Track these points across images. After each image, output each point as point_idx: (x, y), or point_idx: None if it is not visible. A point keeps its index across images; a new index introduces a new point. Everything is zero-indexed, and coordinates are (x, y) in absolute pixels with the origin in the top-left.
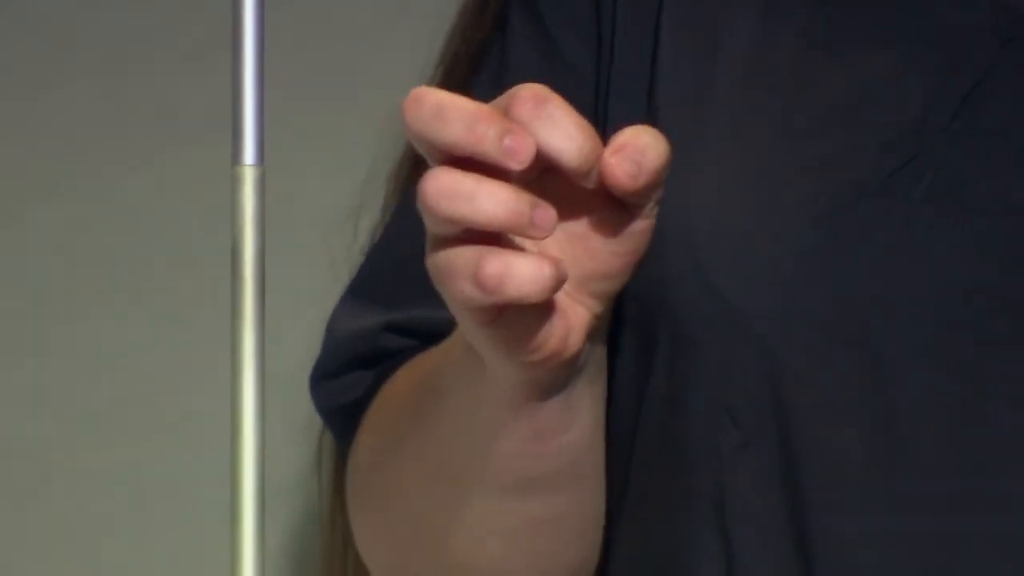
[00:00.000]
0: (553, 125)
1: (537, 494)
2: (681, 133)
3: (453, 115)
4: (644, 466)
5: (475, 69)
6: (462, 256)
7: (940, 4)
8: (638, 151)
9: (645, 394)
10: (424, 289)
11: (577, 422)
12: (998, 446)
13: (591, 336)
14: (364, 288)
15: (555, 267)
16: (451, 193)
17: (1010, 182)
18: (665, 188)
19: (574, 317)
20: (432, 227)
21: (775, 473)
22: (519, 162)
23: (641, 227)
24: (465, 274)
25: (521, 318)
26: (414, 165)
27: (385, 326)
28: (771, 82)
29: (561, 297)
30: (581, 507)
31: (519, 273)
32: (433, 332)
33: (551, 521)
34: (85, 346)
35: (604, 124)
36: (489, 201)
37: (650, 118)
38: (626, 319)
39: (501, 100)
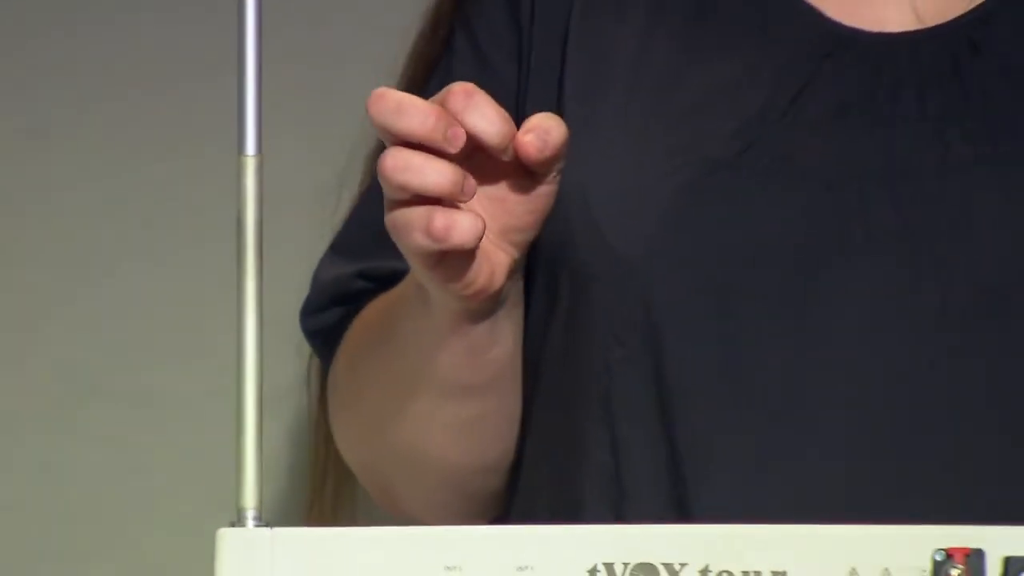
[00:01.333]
0: (479, 113)
1: (470, 397)
2: (581, 122)
3: (410, 111)
4: (550, 378)
5: (428, 79)
6: (415, 213)
7: (777, 25)
8: (544, 131)
9: (551, 321)
10: (386, 245)
11: (500, 341)
12: (818, 360)
13: (511, 275)
14: (342, 245)
15: (483, 221)
16: (404, 167)
17: (825, 161)
18: (567, 163)
19: (497, 261)
20: (389, 193)
21: (649, 380)
22: (456, 147)
23: (546, 191)
24: (419, 226)
25: (457, 262)
26: (380, 152)
27: (357, 273)
28: (649, 83)
29: (486, 245)
30: (503, 408)
31: (460, 225)
32: (392, 278)
33: (480, 418)
34: (124, 294)
35: (524, 114)
36: (433, 173)
37: (558, 112)
38: (538, 263)
39: (439, 95)
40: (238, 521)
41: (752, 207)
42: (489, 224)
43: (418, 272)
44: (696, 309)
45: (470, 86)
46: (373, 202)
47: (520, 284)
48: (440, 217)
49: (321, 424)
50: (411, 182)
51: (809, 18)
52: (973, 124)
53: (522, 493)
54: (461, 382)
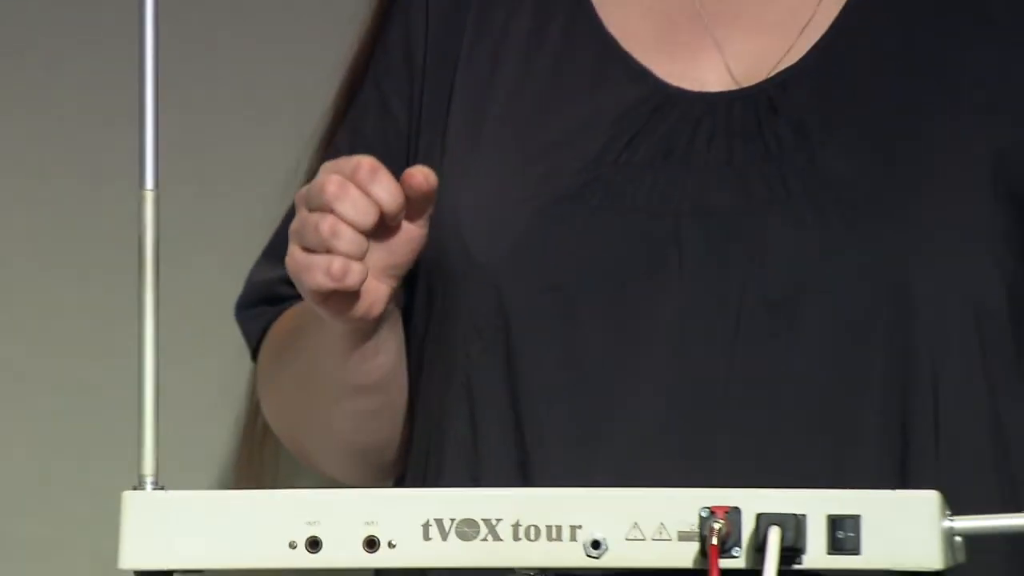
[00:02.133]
0: (381, 187)
1: (363, 395)
2: (459, 153)
3: (348, 198)
4: (427, 367)
5: (347, 111)
6: (318, 259)
7: (618, 81)
8: (428, 172)
9: (429, 319)
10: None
11: (384, 350)
12: (634, 357)
13: (389, 301)
14: (272, 252)
15: (367, 268)
16: (332, 233)
17: (649, 196)
18: (442, 189)
19: (377, 294)
20: (303, 242)
21: (501, 367)
22: (368, 227)
23: (419, 234)
24: (322, 269)
25: (344, 297)
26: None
27: (282, 279)
28: (514, 127)
29: (369, 282)
30: (392, 402)
31: (352, 271)
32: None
33: (375, 411)
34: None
35: (416, 150)
36: (351, 244)
37: (441, 143)
38: (418, 276)
39: (350, 162)
40: (139, 485)
41: (588, 231)
42: (374, 263)
43: (311, 304)
44: (539, 311)
45: (374, 163)
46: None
47: (399, 304)
48: (338, 263)
49: (253, 394)
50: (337, 247)
51: (643, 77)
52: (769, 171)
53: (411, 461)
54: (354, 383)
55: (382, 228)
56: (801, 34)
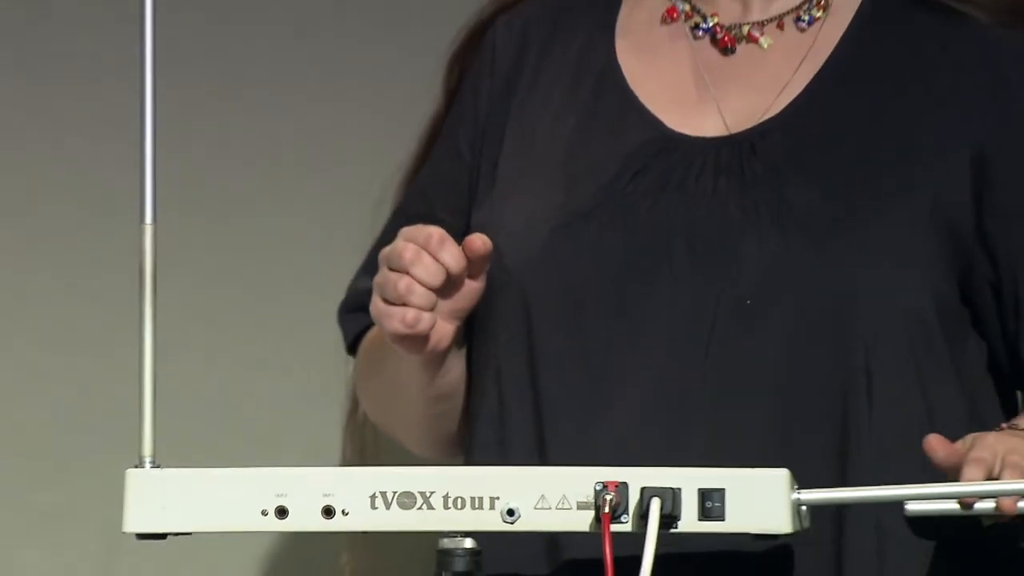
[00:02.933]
0: (447, 253)
1: (437, 403)
2: (505, 186)
3: (421, 263)
4: (474, 358)
5: (429, 151)
6: (395, 310)
7: (632, 127)
8: (481, 240)
9: (475, 318)
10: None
11: (451, 369)
12: (634, 350)
13: (455, 337)
14: (367, 267)
15: (435, 316)
16: (408, 291)
17: (647, 218)
18: (490, 213)
19: (443, 332)
20: (384, 294)
21: (523, 356)
22: (437, 286)
23: (478, 286)
24: (397, 318)
25: (415, 337)
26: (406, 188)
27: (371, 290)
28: (549, 161)
29: (437, 322)
30: (456, 405)
31: (422, 320)
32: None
33: (446, 412)
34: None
35: (476, 182)
36: (422, 299)
37: (493, 175)
38: None
39: (423, 231)
40: (139, 464)
41: (595, 245)
42: (441, 308)
43: (389, 341)
44: (554, 309)
45: (443, 234)
46: (387, 240)
47: (462, 334)
48: (412, 314)
49: (352, 387)
50: (411, 301)
51: (654, 125)
52: (744, 200)
53: (465, 438)
54: (429, 396)
55: (449, 283)
56: (781, 93)
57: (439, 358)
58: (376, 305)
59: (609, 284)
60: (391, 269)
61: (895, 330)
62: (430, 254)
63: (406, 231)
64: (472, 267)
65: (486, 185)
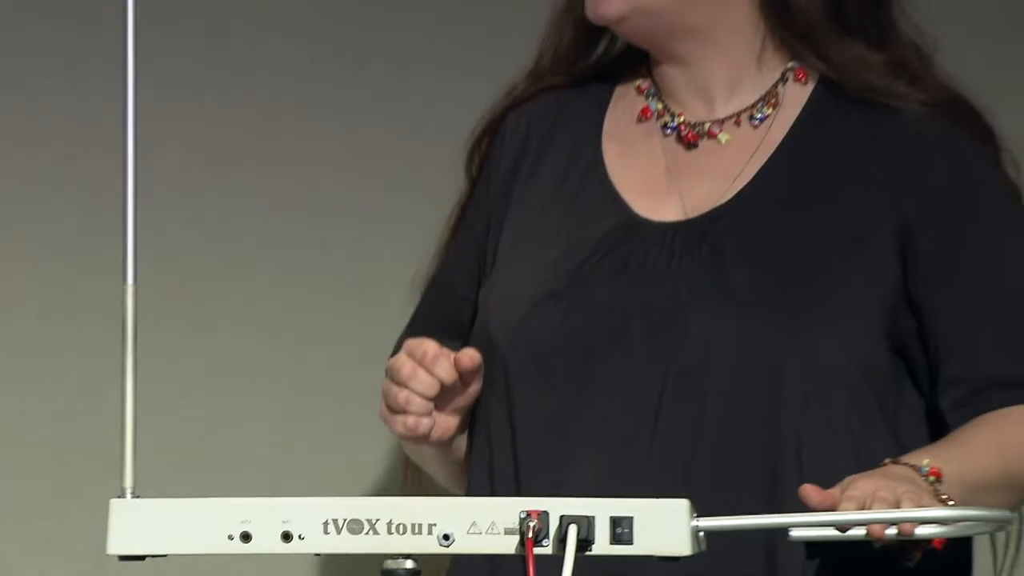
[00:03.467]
0: (440, 368)
1: (454, 463)
2: (500, 265)
3: (416, 378)
4: (475, 412)
5: (458, 226)
6: (398, 417)
7: (604, 212)
8: (468, 357)
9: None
10: (430, 332)
11: (461, 446)
12: (593, 407)
13: (457, 427)
14: (411, 324)
15: (433, 420)
16: (407, 403)
17: (611, 294)
18: (487, 287)
19: (446, 424)
20: (388, 402)
21: (504, 411)
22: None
23: (473, 389)
24: (400, 423)
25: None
26: (446, 252)
27: None
28: (536, 244)
29: (439, 418)
30: (465, 463)
31: (422, 425)
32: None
33: (459, 470)
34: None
35: (485, 258)
36: (420, 407)
37: (494, 255)
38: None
39: (421, 347)
40: (122, 494)
41: (566, 317)
42: (442, 405)
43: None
44: (530, 372)
45: (437, 350)
46: (432, 296)
47: (467, 422)
48: (411, 420)
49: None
50: (410, 410)
51: (624, 211)
52: (692, 279)
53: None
54: (444, 463)
55: (445, 389)
56: (733, 182)
57: (447, 442)
58: (382, 411)
59: (573, 355)
60: (394, 382)
61: (824, 395)
62: (426, 369)
63: (408, 345)
64: (463, 377)
65: (491, 262)
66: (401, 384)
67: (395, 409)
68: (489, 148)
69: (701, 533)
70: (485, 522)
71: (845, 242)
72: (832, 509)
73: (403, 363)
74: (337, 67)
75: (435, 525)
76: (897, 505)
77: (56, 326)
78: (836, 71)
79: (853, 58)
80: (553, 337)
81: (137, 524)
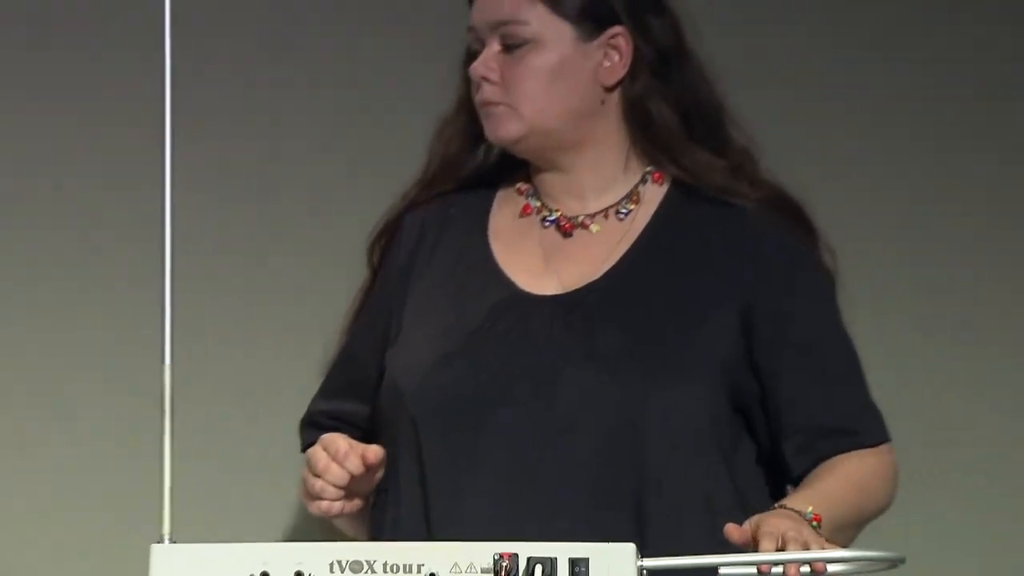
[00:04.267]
0: (350, 463)
1: (359, 525)
2: (404, 335)
3: (329, 473)
4: (387, 453)
5: (361, 311)
6: (315, 502)
7: (491, 288)
8: (373, 452)
9: (387, 429)
10: (346, 396)
11: (364, 516)
12: (485, 454)
13: (363, 506)
14: (322, 388)
15: (340, 504)
16: (321, 490)
17: (498, 357)
18: (393, 353)
19: (352, 505)
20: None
21: (413, 457)
22: (344, 484)
23: (376, 477)
24: (315, 507)
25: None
26: (354, 324)
27: (326, 412)
28: (435, 316)
29: (347, 500)
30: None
31: (333, 508)
32: (349, 416)
33: (364, 529)
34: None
35: (390, 330)
36: (332, 493)
37: (398, 327)
38: (379, 405)
39: (334, 445)
40: (160, 540)
41: (462, 376)
42: (354, 488)
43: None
44: (431, 424)
45: (348, 447)
46: (342, 365)
47: (370, 499)
48: (324, 505)
49: None
50: (323, 496)
51: (506, 286)
52: (569, 343)
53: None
54: (350, 524)
55: (353, 479)
56: (603, 264)
57: (355, 515)
58: (301, 494)
59: (468, 408)
60: (311, 471)
61: (677, 443)
62: (338, 463)
63: (323, 440)
64: (368, 468)
65: (395, 333)
66: (317, 475)
67: (312, 496)
68: (388, 244)
69: (645, 572)
70: (465, 562)
71: (696, 315)
72: (749, 544)
73: (319, 457)
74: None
75: (423, 565)
76: (806, 546)
77: (97, 385)
78: (688, 174)
79: (702, 163)
80: (452, 392)
81: (175, 566)
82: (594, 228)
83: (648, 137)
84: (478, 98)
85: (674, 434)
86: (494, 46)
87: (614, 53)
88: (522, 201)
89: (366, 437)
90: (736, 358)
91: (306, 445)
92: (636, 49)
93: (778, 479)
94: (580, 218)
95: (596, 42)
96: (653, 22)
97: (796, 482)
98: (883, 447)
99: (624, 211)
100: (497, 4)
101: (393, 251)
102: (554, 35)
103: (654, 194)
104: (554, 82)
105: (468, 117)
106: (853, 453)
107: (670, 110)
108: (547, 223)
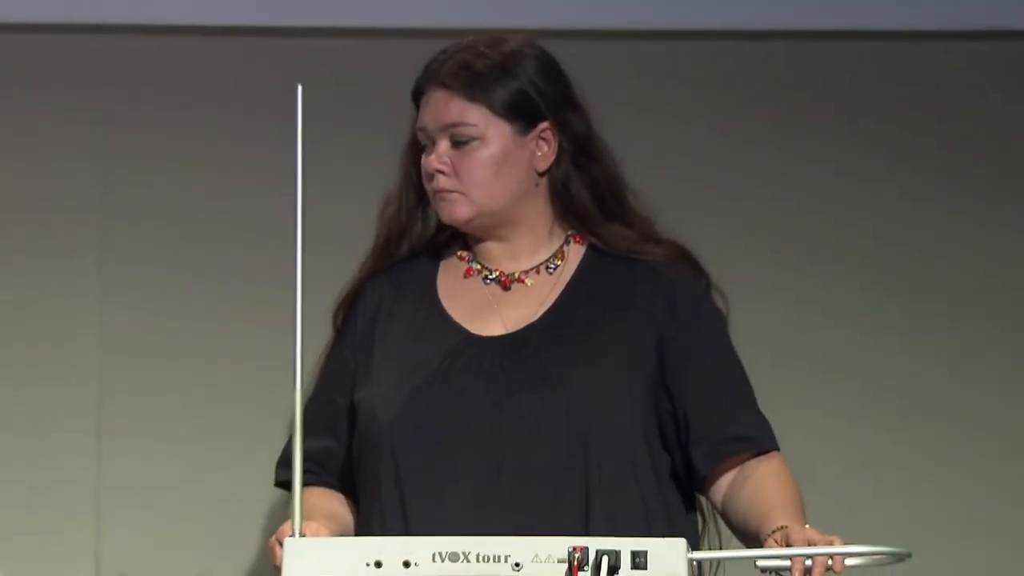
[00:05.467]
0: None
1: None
2: (374, 372)
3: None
4: (360, 482)
5: (330, 360)
6: (277, 557)
7: (445, 332)
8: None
9: (363, 454)
10: (321, 434)
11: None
12: (453, 475)
13: None
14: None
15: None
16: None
17: (452, 391)
18: (366, 389)
19: None
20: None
21: (392, 473)
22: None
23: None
24: (277, 563)
25: None
26: (322, 365)
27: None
28: (400, 356)
29: None
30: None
31: (293, 570)
32: (323, 452)
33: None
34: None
35: (358, 373)
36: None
37: (367, 368)
38: (356, 430)
39: (283, 533)
40: (294, 535)
41: (431, 407)
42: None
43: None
44: (407, 448)
45: (315, 529)
46: (318, 412)
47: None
48: (285, 569)
49: None
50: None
51: (460, 331)
52: (519, 372)
53: (359, 521)
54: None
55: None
56: (538, 309)
57: None
58: (271, 560)
59: (442, 427)
60: (269, 546)
61: (616, 453)
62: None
63: (283, 529)
64: None
65: (363, 376)
66: (271, 548)
67: (279, 567)
68: (351, 307)
69: (695, 562)
70: (544, 554)
71: (622, 346)
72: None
73: (274, 545)
74: None
75: (509, 556)
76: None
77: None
78: (603, 242)
79: (614, 234)
80: (428, 416)
81: (305, 555)
82: (529, 281)
83: (570, 212)
84: (432, 186)
85: (619, 447)
86: (444, 143)
87: (544, 144)
88: (464, 265)
89: (333, 469)
90: (656, 381)
91: (279, 482)
92: (559, 140)
93: (687, 487)
94: (516, 274)
95: (529, 136)
96: (571, 117)
97: (702, 484)
98: (776, 452)
99: (553, 266)
100: (445, 109)
101: (357, 313)
102: (496, 132)
103: (576, 252)
104: (499, 171)
105: (415, 195)
106: (761, 458)
107: (587, 191)
108: (488, 280)
